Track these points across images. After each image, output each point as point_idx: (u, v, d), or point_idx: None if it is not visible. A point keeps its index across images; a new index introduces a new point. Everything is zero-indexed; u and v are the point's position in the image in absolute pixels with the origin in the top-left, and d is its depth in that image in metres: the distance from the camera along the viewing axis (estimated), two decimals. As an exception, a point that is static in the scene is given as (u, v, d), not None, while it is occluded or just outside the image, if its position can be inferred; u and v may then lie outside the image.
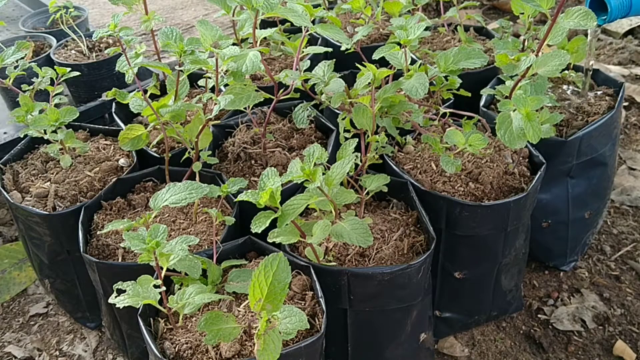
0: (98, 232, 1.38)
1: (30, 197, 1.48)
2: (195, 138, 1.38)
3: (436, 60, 1.37)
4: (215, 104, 1.22)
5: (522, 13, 1.56)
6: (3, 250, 1.91)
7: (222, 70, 1.24)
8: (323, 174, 1.12)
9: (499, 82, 1.68)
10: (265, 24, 2.16)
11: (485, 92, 1.55)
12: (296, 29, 2.04)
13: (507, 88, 1.45)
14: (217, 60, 1.22)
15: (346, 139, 1.33)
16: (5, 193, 1.50)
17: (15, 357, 1.63)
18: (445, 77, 1.49)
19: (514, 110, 1.22)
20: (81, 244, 1.31)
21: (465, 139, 1.30)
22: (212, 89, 1.33)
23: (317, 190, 1.13)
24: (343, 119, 1.39)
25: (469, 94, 1.53)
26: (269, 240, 1.15)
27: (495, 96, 1.57)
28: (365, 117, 1.31)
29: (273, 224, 1.10)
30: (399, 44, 1.41)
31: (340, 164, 1.14)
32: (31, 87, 1.60)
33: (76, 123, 1.65)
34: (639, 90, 2.48)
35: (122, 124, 1.70)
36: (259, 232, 1.09)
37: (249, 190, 1.12)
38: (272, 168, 1.12)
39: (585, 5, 1.41)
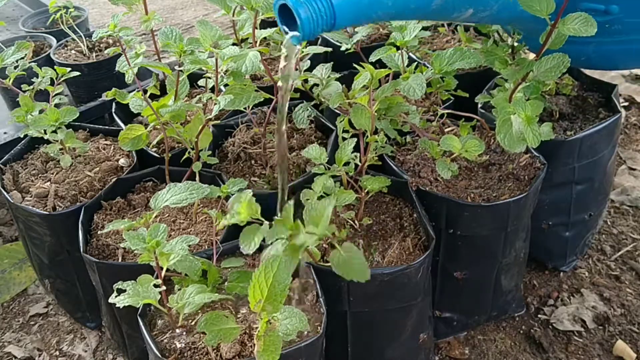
0: (98, 232, 1.38)
1: (30, 197, 1.48)
2: (195, 138, 1.38)
3: (431, 61, 1.37)
4: (215, 104, 1.22)
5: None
6: (3, 250, 1.91)
7: (222, 70, 1.24)
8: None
9: (496, 85, 1.66)
10: (265, 24, 2.15)
11: (481, 100, 1.53)
12: (296, 29, 2.03)
13: (503, 93, 1.40)
14: (217, 60, 1.22)
15: (344, 139, 1.33)
16: (5, 193, 1.50)
17: (15, 357, 1.63)
18: (442, 77, 1.48)
19: (513, 114, 1.21)
20: (81, 244, 1.31)
21: (461, 144, 1.29)
22: (212, 89, 1.33)
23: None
24: (341, 121, 1.39)
25: (467, 95, 1.53)
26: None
27: (490, 102, 1.53)
28: (363, 117, 1.31)
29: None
30: (396, 45, 1.40)
31: (323, 204, 0.98)
32: (31, 87, 1.60)
33: (76, 123, 1.64)
34: (639, 90, 2.48)
35: (122, 124, 1.69)
36: (250, 253, 1.00)
37: (227, 215, 0.99)
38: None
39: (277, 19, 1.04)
